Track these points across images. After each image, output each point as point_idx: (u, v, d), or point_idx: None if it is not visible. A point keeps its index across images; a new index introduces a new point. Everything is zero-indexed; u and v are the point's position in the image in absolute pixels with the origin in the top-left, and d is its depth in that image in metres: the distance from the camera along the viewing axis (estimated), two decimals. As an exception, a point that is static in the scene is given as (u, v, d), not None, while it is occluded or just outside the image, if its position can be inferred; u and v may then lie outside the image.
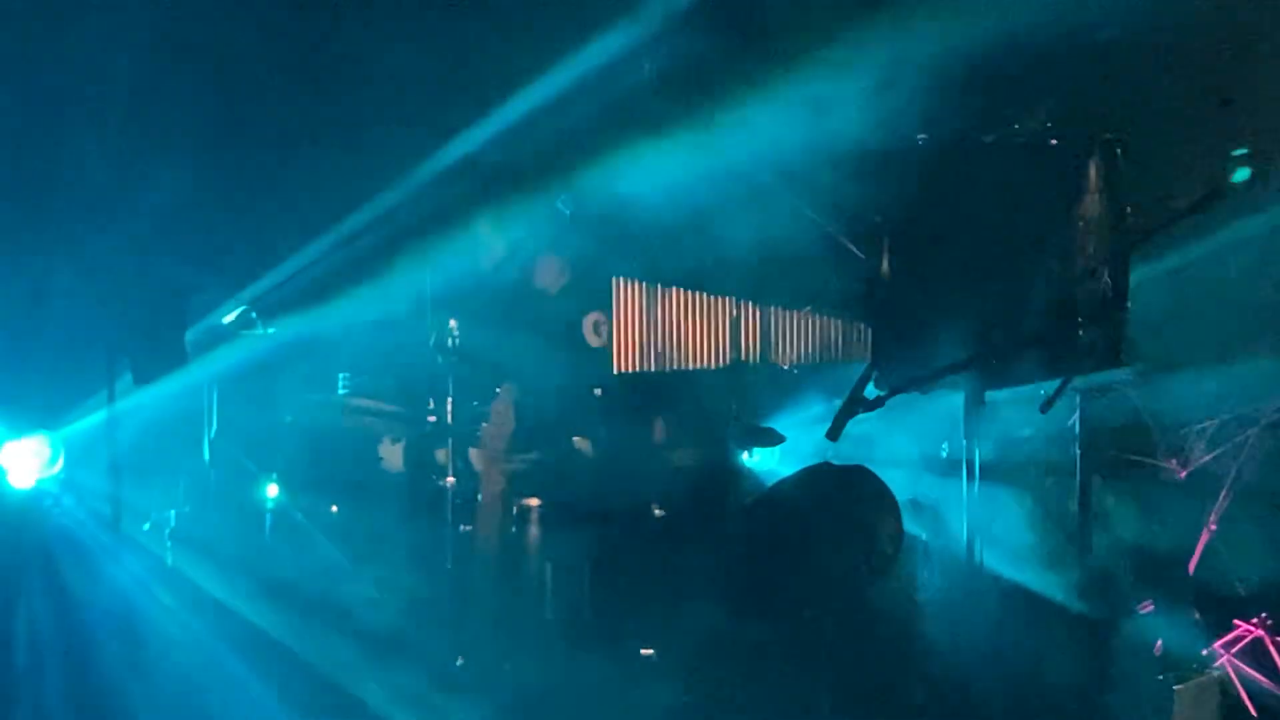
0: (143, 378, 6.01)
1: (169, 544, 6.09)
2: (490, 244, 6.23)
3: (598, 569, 5.89)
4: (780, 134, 5.91)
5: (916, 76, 5.66)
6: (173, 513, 6.13)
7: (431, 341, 6.02)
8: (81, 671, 5.41)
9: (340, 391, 6.32)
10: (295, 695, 5.38)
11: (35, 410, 5.89)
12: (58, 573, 5.65)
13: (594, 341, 6.24)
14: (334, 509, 6.24)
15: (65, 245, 5.90)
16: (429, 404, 6.09)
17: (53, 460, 5.81)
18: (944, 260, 5.06)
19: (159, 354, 6.06)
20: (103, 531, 5.81)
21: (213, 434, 6.17)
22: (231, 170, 6.23)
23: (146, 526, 6.09)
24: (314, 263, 6.20)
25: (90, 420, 5.91)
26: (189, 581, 5.96)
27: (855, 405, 4.80)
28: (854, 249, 6.05)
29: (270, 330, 6.19)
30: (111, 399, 5.82)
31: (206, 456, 6.19)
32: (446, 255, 6.17)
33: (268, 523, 6.22)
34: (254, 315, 6.19)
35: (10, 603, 5.53)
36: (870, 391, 4.79)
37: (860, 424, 4.96)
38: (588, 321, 6.26)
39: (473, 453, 6.10)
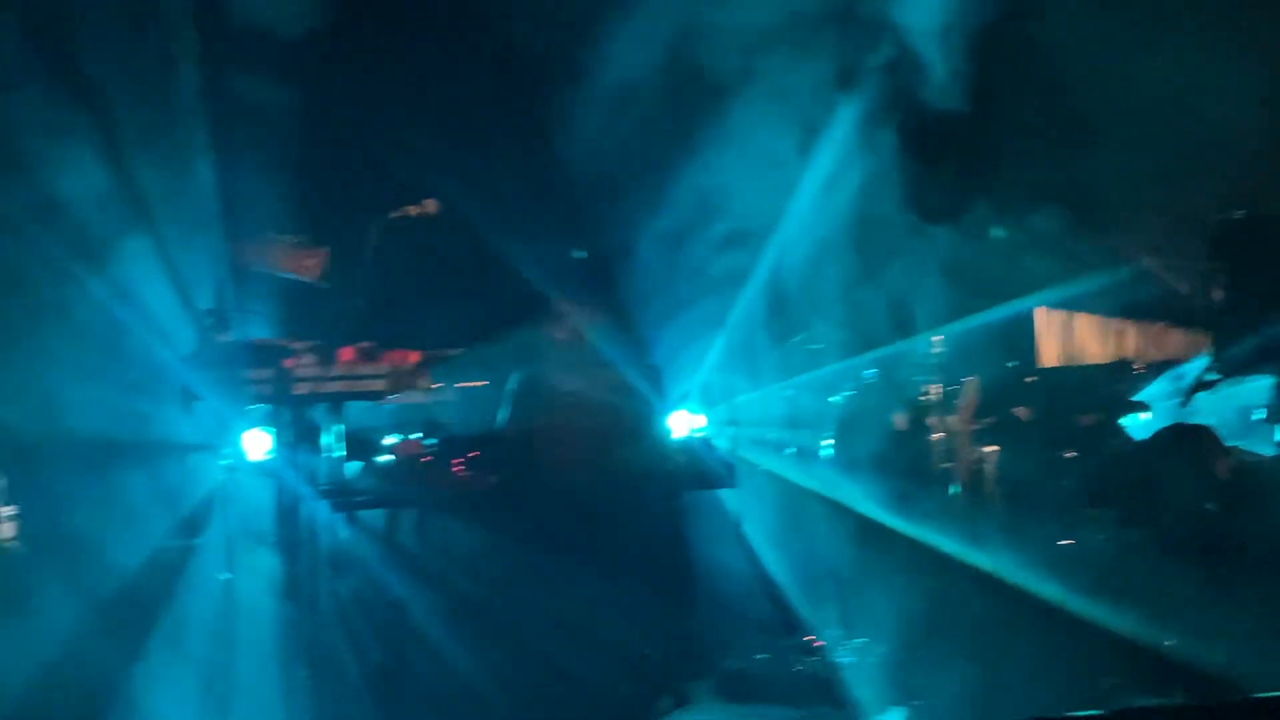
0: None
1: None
2: None
3: (1032, 489, 7.81)
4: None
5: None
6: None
7: (926, 350, 8.60)
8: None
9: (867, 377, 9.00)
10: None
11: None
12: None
13: None
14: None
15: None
16: (923, 387, 8.56)
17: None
18: (1256, 289, 7.50)
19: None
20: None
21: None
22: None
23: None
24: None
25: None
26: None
27: (1199, 384, 7.29)
28: (1180, 287, 8.54)
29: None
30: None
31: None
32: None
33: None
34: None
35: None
36: (1209, 376, 7.23)
37: (1202, 398, 7.29)
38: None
39: (952, 419, 8.46)
